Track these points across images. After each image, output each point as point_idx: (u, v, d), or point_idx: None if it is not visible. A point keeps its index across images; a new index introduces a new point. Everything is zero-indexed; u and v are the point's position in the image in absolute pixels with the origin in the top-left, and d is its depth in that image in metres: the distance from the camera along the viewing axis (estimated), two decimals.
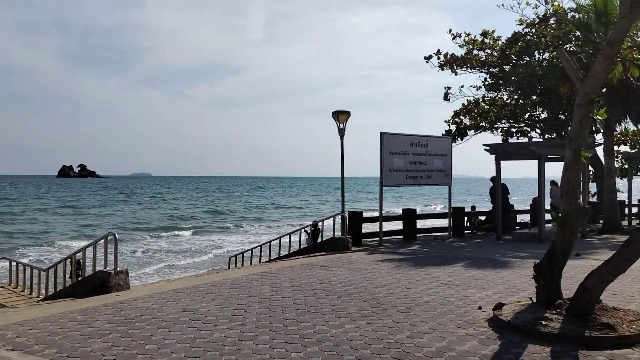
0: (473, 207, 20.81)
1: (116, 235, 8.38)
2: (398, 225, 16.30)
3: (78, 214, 48.11)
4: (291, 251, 13.44)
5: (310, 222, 15.99)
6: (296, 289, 7.78)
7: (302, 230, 14.42)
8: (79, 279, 9.06)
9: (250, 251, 15.88)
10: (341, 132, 13.34)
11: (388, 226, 17.54)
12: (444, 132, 20.79)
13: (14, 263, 12.21)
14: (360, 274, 9.12)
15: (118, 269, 8.18)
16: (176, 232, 33.68)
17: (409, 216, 15.62)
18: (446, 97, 21.26)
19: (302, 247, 13.53)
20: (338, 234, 13.00)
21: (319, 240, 13.75)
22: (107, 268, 8.25)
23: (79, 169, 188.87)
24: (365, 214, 15.67)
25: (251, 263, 14.71)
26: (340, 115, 13.20)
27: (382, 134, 13.49)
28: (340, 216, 13.15)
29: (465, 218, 17.95)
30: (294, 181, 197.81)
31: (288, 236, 14.18)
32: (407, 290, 7.66)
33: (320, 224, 13.97)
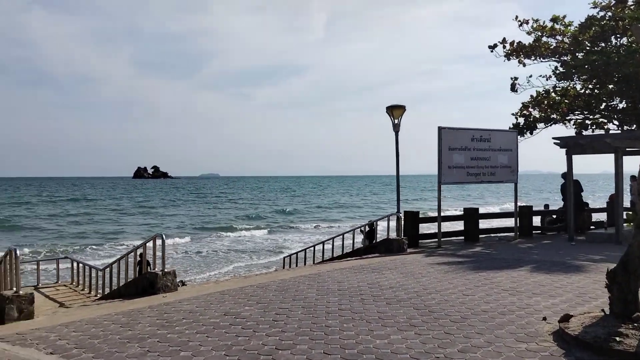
0: (546, 206, 19.46)
1: (164, 236, 8.38)
2: (460, 225, 15.47)
3: (148, 213, 50.36)
4: (344, 252, 13.06)
5: (366, 222, 15.54)
6: (343, 294, 7.41)
7: (358, 231, 14.00)
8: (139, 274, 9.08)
9: (303, 251, 15.66)
10: (396, 127, 12.76)
11: (451, 226, 16.77)
12: (511, 126, 19.59)
13: (75, 263, 12.67)
14: (414, 278, 8.60)
15: (166, 270, 8.17)
16: (243, 232, 34.30)
17: (471, 215, 14.74)
18: (513, 88, 20.00)
19: (355, 248, 13.11)
20: (393, 234, 12.47)
21: (375, 240, 13.27)
22: (156, 269, 8.26)
23: (152, 170, 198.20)
24: (430, 214, 15.01)
25: (305, 264, 14.48)
26: (395, 110, 12.63)
27: (439, 128, 12.77)
28: (395, 216, 12.60)
29: (539, 217, 16.77)
30: (357, 179, 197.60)
31: (341, 237, 13.81)
32: (463, 297, 7.08)
33: (375, 223, 13.49)
